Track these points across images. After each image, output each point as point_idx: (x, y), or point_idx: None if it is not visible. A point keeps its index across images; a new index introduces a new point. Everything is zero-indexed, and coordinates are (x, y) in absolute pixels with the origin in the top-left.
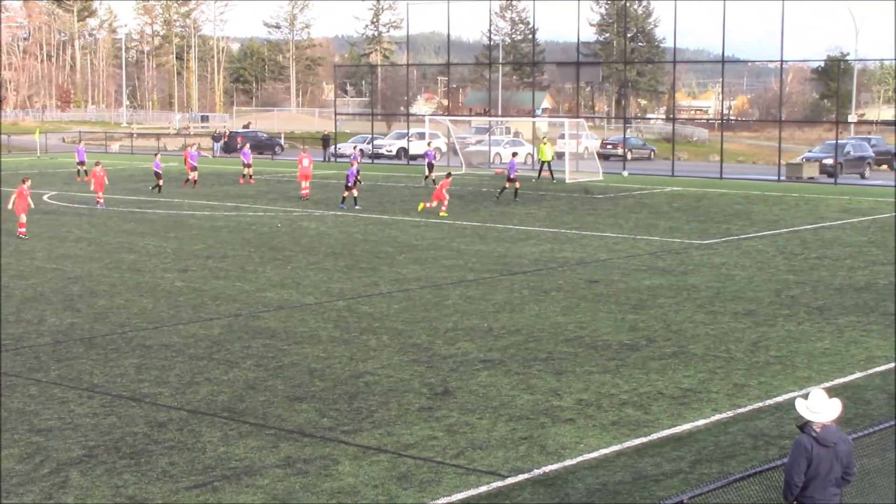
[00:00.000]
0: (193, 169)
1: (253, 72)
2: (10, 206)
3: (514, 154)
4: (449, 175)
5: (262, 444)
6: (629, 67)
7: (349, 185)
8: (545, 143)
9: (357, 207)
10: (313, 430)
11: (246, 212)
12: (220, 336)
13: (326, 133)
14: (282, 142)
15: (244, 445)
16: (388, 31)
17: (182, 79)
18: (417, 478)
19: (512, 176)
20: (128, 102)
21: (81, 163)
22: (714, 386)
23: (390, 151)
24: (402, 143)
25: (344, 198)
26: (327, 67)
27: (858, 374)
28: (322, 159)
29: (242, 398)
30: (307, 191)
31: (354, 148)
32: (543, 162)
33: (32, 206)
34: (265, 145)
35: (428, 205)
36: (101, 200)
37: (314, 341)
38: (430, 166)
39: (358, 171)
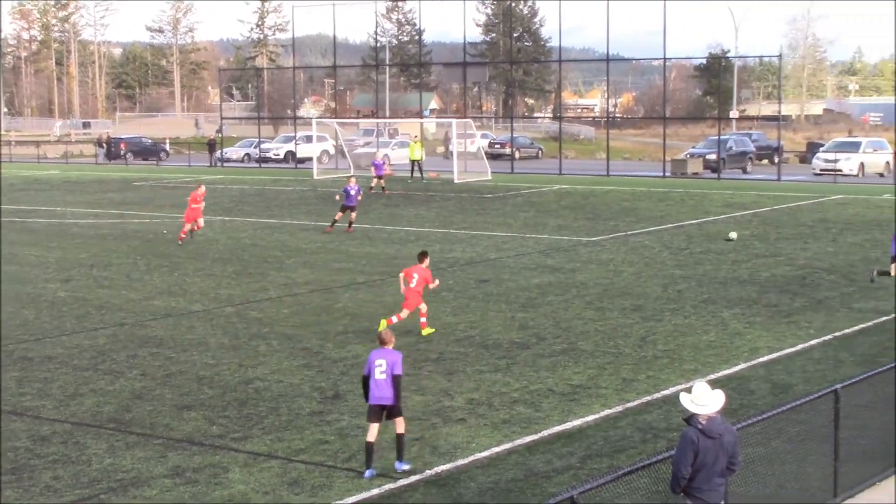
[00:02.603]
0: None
1: (136, 77)
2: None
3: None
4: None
5: (149, 455)
6: (515, 67)
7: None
8: (415, 143)
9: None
10: (202, 439)
11: (131, 219)
12: (106, 346)
13: (212, 138)
14: (167, 147)
15: (131, 456)
16: (273, 34)
17: (62, 85)
18: (309, 483)
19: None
20: (5, 110)
21: None
22: (603, 381)
23: (278, 155)
24: (290, 146)
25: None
26: (212, 71)
27: (743, 366)
28: (208, 164)
29: (129, 408)
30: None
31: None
32: (413, 161)
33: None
34: (149, 151)
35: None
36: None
37: (202, 348)
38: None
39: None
